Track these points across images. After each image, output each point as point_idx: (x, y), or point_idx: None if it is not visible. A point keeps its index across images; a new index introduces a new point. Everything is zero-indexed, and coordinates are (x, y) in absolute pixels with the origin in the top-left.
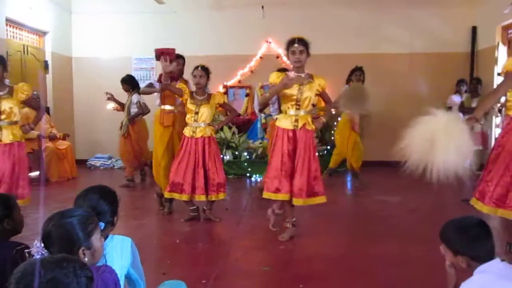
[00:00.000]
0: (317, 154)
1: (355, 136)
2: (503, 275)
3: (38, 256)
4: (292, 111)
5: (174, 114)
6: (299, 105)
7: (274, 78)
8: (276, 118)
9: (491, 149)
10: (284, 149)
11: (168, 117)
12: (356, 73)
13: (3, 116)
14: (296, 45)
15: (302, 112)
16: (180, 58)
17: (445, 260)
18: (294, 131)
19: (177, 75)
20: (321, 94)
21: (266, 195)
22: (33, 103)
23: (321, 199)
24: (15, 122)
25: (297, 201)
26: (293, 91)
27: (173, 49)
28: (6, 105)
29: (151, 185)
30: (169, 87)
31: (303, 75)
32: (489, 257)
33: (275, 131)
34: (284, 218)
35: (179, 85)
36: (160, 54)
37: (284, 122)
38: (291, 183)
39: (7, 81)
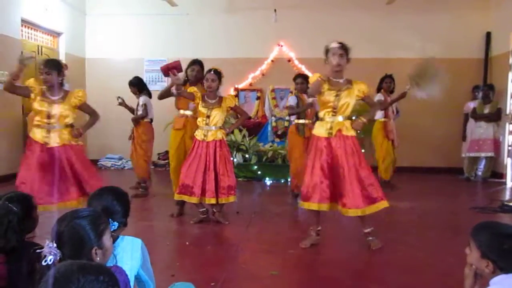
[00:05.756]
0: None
1: (388, 145)
2: None
3: (51, 256)
4: (328, 118)
5: (186, 118)
6: (335, 112)
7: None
8: (296, 123)
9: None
10: (322, 158)
11: (179, 121)
12: (386, 81)
13: (53, 120)
14: (337, 48)
15: (339, 118)
16: (195, 64)
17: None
18: (328, 139)
19: (195, 81)
20: (364, 99)
21: (305, 205)
22: (87, 108)
23: (383, 204)
24: (65, 126)
25: (355, 212)
26: (330, 97)
27: (178, 62)
28: (57, 109)
29: (160, 186)
30: (182, 94)
31: (341, 80)
32: None
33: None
34: (310, 225)
35: (190, 89)
36: (167, 70)
37: (319, 130)
38: (331, 193)
39: (66, 86)
